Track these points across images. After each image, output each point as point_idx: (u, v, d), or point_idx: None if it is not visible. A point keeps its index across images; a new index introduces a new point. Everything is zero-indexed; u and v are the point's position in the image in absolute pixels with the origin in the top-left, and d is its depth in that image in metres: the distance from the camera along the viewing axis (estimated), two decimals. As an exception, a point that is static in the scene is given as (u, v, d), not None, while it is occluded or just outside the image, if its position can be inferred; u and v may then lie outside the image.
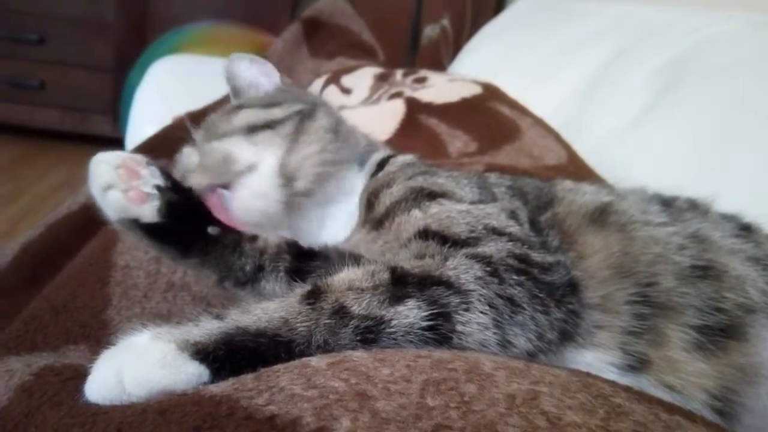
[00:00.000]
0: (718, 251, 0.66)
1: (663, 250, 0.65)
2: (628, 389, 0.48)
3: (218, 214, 0.70)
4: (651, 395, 0.49)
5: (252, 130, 0.76)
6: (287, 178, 0.72)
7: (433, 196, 0.70)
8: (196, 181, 0.72)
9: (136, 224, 0.65)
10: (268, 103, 0.83)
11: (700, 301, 0.61)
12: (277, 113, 0.79)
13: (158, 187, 0.66)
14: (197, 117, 1.40)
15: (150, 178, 0.66)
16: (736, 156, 1.24)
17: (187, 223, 0.68)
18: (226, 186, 0.71)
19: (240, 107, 0.83)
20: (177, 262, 0.73)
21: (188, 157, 0.79)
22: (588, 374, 0.50)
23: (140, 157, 0.67)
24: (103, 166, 0.64)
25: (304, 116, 0.79)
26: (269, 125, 0.77)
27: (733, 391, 0.57)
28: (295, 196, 0.73)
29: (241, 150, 0.73)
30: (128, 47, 3.24)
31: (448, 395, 0.41)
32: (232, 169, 0.72)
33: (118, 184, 0.64)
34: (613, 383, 0.48)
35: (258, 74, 0.90)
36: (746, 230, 0.71)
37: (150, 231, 0.66)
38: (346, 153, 0.81)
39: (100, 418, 0.44)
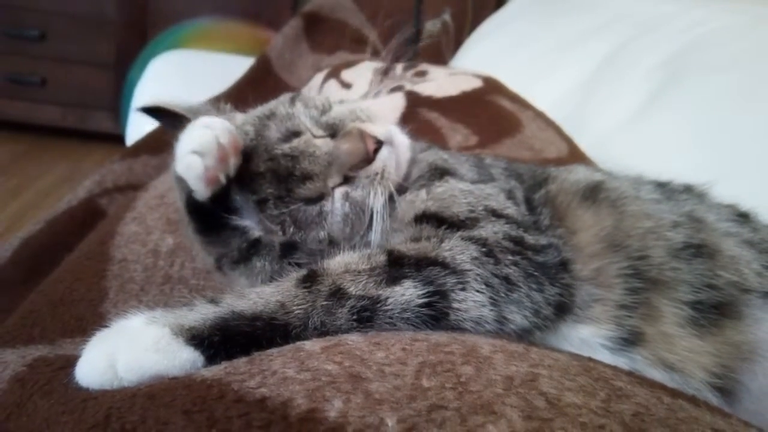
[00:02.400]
0: (713, 233, 0.65)
1: (655, 225, 0.65)
2: (630, 374, 0.47)
3: None
4: (654, 380, 0.49)
5: None
6: None
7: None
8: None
9: (186, 187, 0.63)
10: None
11: (692, 276, 0.61)
12: None
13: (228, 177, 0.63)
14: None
15: (230, 168, 0.63)
16: (737, 149, 1.23)
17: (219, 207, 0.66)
18: None
19: None
20: (194, 234, 0.70)
21: None
22: (589, 359, 0.49)
23: (239, 141, 0.64)
24: (209, 134, 0.61)
25: None
26: None
27: (730, 368, 0.57)
28: None
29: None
30: (129, 44, 3.24)
31: (444, 377, 0.41)
32: None
33: (208, 159, 0.60)
34: (614, 368, 0.48)
35: None
36: (743, 217, 0.71)
37: (191, 201, 0.64)
38: None
39: (89, 404, 0.43)
